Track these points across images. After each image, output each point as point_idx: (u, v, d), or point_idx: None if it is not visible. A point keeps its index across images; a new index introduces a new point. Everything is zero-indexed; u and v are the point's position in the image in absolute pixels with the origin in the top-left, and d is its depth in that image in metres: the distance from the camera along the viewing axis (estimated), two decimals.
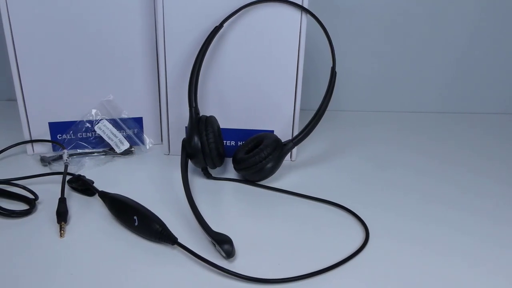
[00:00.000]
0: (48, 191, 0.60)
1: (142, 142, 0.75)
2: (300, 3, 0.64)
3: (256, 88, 0.69)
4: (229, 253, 0.48)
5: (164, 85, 0.69)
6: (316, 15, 0.65)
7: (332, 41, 0.65)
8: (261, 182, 0.66)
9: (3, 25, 0.64)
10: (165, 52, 0.67)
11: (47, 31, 0.66)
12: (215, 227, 0.52)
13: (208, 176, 0.66)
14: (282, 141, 0.67)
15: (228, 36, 0.66)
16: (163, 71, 0.68)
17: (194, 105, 0.65)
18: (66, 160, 0.65)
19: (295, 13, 0.65)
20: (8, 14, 0.64)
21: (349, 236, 0.54)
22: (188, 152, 0.63)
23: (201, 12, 0.65)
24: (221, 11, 0.65)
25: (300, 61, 0.67)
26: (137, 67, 0.71)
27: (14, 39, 0.65)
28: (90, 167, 0.68)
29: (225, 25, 0.65)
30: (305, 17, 0.65)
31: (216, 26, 0.64)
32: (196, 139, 0.63)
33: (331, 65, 0.66)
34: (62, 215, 0.54)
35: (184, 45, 0.66)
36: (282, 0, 0.64)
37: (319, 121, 0.66)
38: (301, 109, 0.70)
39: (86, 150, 0.72)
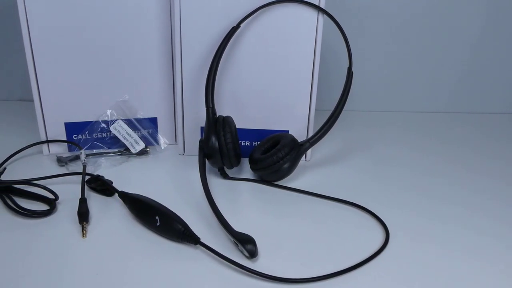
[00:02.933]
0: (66, 191, 0.60)
1: (157, 142, 0.75)
2: (317, 4, 0.64)
3: (271, 88, 0.69)
4: (253, 253, 0.49)
5: (180, 86, 0.69)
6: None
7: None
8: (278, 182, 0.66)
9: (21, 26, 0.64)
10: (181, 53, 0.67)
11: (64, 32, 0.66)
12: (234, 227, 0.52)
13: (225, 176, 0.67)
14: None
15: (244, 36, 0.66)
16: (179, 71, 0.68)
17: (211, 106, 0.65)
18: (84, 160, 0.65)
19: (312, 14, 0.65)
20: (26, 16, 0.64)
21: (368, 235, 0.55)
22: (205, 152, 0.64)
23: (218, 13, 0.65)
24: (237, 12, 0.65)
25: (316, 62, 0.67)
26: (153, 67, 0.71)
27: (31, 40, 0.65)
28: (107, 167, 0.68)
29: (241, 25, 0.65)
30: (322, 18, 0.65)
31: (234, 27, 0.64)
32: (213, 139, 0.63)
33: (347, 66, 0.66)
34: (83, 215, 0.54)
35: (201, 46, 0.67)
36: (299, 1, 0.64)
37: (335, 121, 0.66)
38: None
39: (102, 151, 0.72)
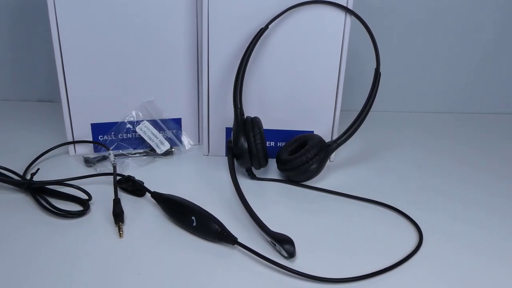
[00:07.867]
0: (97, 191, 0.60)
1: (181, 142, 0.76)
2: (345, 5, 0.64)
3: (298, 89, 0.69)
4: (291, 253, 0.49)
5: (206, 87, 0.69)
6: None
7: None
8: (305, 183, 0.66)
9: (50, 27, 0.64)
10: (208, 54, 0.67)
11: (92, 34, 0.66)
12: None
13: (252, 176, 0.67)
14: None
15: (271, 37, 0.67)
16: (205, 72, 0.68)
17: (239, 106, 0.65)
18: (113, 161, 0.65)
19: (339, 15, 0.65)
20: (56, 17, 0.64)
21: (400, 235, 0.55)
22: (234, 153, 0.64)
23: (246, 14, 0.65)
24: (265, 13, 0.65)
25: (342, 63, 0.68)
26: (178, 68, 0.72)
27: (61, 41, 0.65)
28: (134, 168, 0.69)
29: (269, 26, 0.65)
30: (349, 19, 0.65)
31: (262, 28, 0.65)
32: (242, 140, 0.63)
33: (374, 66, 0.66)
34: (119, 215, 0.54)
35: (228, 47, 0.67)
36: (326, 2, 0.65)
37: (362, 122, 0.66)
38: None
39: (127, 151, 0.73)
